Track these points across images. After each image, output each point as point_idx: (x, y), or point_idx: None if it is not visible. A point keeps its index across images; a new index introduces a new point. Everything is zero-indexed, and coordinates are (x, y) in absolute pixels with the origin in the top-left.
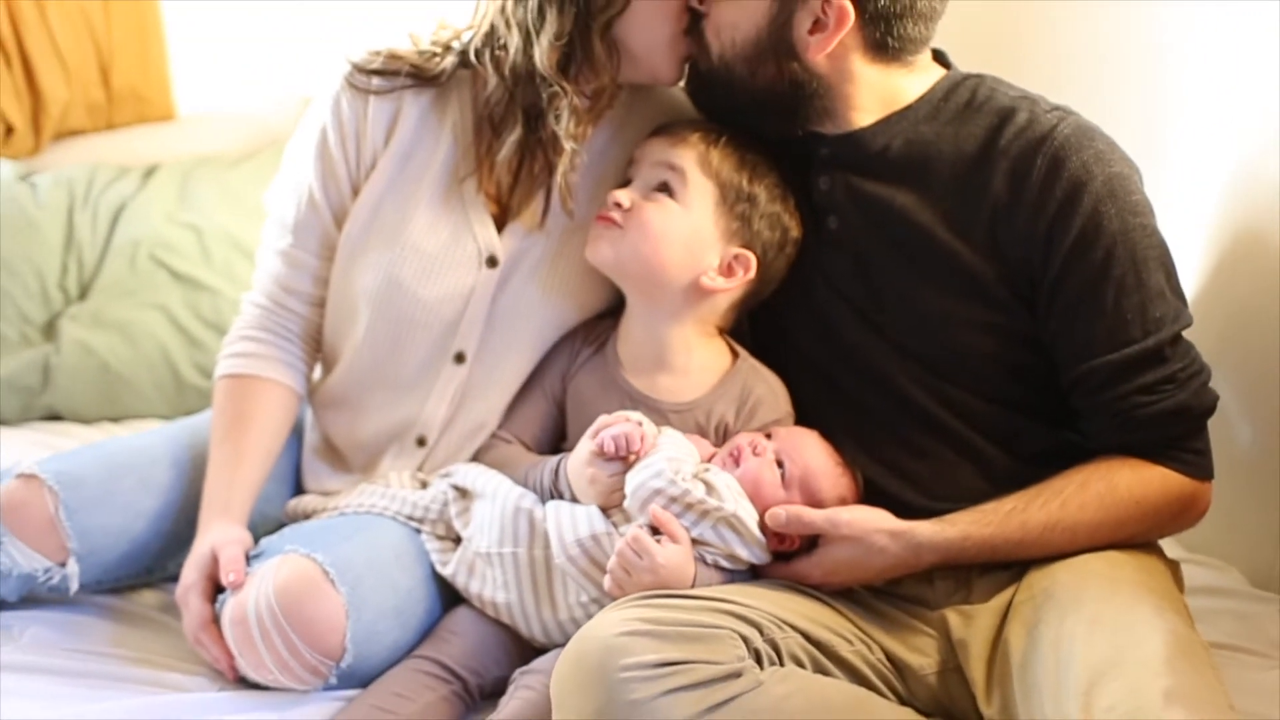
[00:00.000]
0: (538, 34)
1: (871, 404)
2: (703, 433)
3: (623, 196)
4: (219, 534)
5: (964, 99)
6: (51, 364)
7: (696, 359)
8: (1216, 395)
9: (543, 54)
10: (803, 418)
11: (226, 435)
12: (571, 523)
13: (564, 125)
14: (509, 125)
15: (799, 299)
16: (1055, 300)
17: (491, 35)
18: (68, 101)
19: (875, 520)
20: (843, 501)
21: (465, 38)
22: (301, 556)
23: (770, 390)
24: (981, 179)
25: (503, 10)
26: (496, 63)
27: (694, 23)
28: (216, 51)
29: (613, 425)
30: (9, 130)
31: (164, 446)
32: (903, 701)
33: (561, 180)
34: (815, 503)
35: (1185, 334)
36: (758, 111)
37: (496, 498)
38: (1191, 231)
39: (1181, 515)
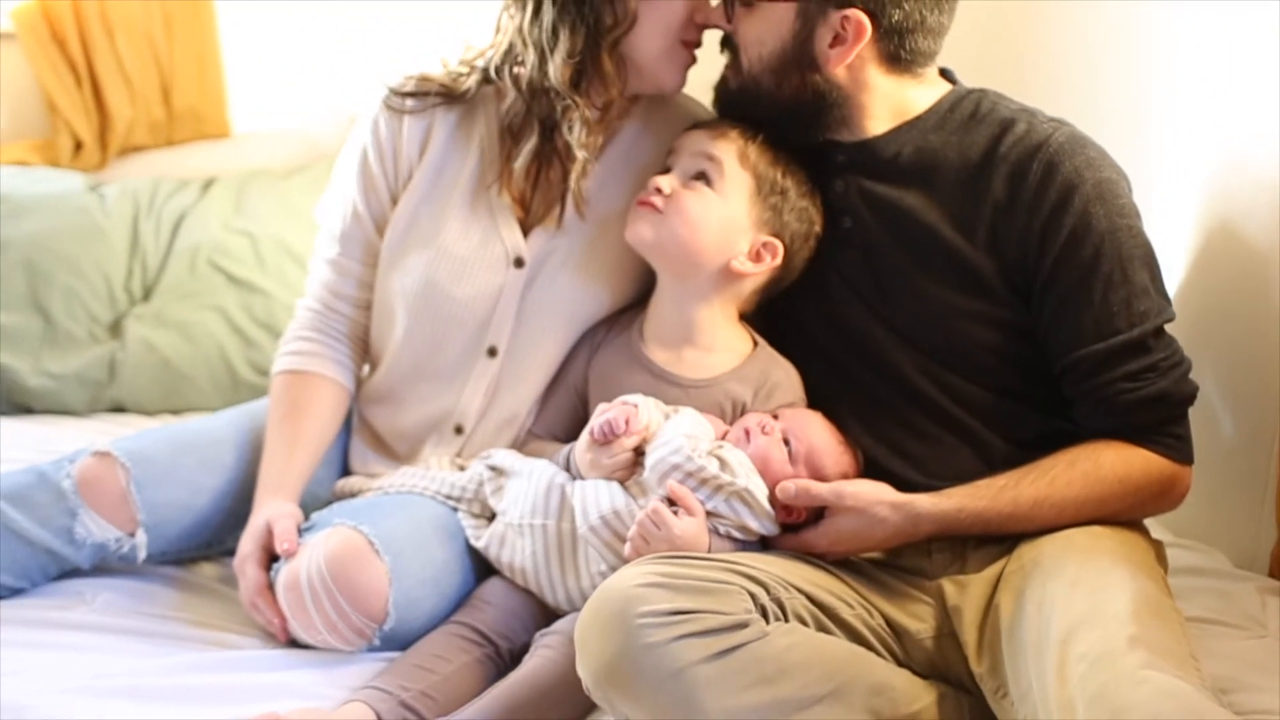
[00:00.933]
0: (551, 52)
1: (878, 390)
2: (720, 411)
3: (664, 182)
4: (274, 509)
5: (968, 111)
6: (118, 360)
7: (720, 339)
8: (1196, 385)
9: (556, 70)
10: (814, 403)
11: (282, 423)
12: (595, 498)
13: (576, 135)
14: (526, 135)
15: (814, 293)
16: (1048, 293)
17: (510, 53)
18: (132, 119)
19: (877, 493)
20: (845, 476)
21: (488, 56)
22: (349, 529)
23: (787, 376)
24: (983, 182)
25: (520, 29)
26: (515, 78)
27: (725, 41)
28: (269, 73)
29: (605, 411)
30: (78, 146)
31: (224, 430)
32: (899, 664)
33: (575, 186)
34: (819, 478)
35: (1169, 329)
36: (783, 121)
37: (533, 475)
38: (1175, 229)
39: (1162, 496)
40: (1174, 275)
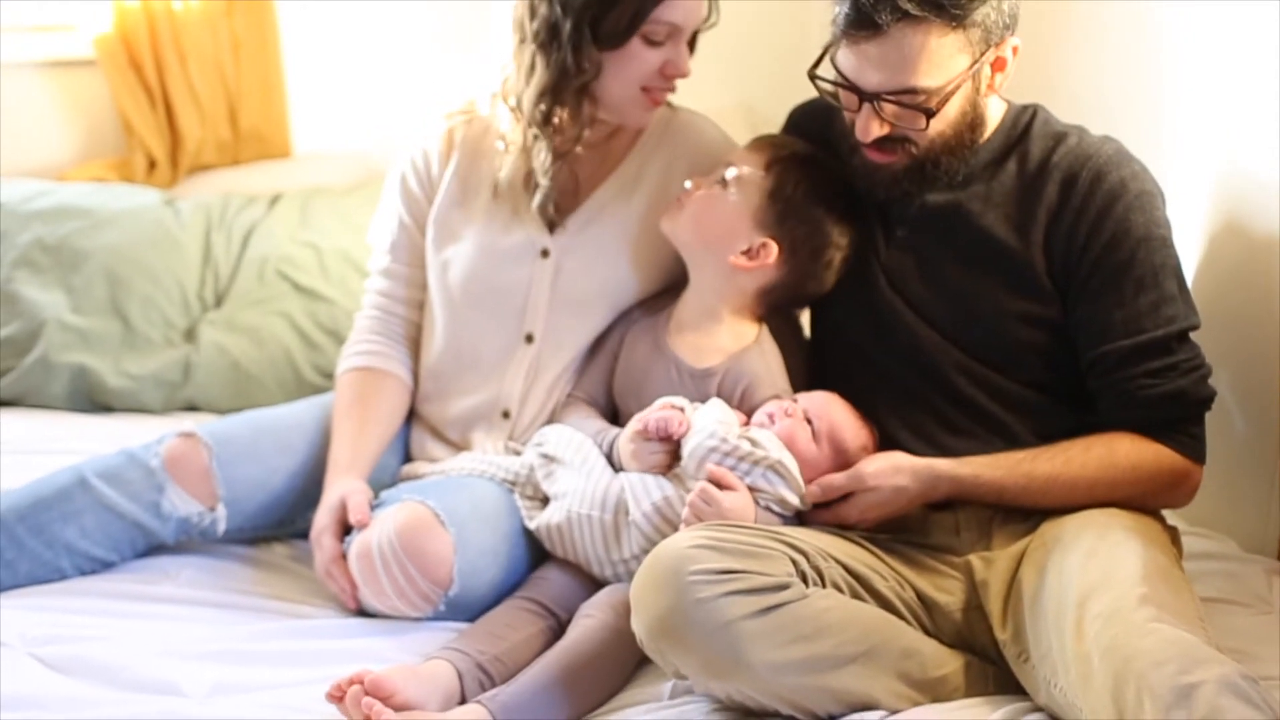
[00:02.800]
0: (527, 83)
1: (917, 388)
2: (704, 396)
3: (689, 182)
4: (346, 485)
5: (1025, 123)
6: (191, 362)
7: (723, 332)
8: (1214, 391)
9: (528, 103)
10: (852, 399)
11: (350, 410)
12: (644, 490)
13: (540, 162)
14: (522, 145)
15: (860, 296)
16: (1084, 290)
17: (507, 84)
18: (201, 140)
19: (893, 464)
20: (865, 449)
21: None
22: (417, 503)
23: (767, 370)
24: (1039, 187)
25: (512, 55)
26: (504, 89)
27: (884, 140)
28: (328, 98)
29: (658, 411)
30: (152, 164)
31: (298, 417)
32: (928, 634)
33: (538, 208)
34: (841, 451)
35: (1194, 337)
36: (955, 169)
37: (584, 470)
38: (1185, 228)
39: (1173, 489)
40: (1186, 273)
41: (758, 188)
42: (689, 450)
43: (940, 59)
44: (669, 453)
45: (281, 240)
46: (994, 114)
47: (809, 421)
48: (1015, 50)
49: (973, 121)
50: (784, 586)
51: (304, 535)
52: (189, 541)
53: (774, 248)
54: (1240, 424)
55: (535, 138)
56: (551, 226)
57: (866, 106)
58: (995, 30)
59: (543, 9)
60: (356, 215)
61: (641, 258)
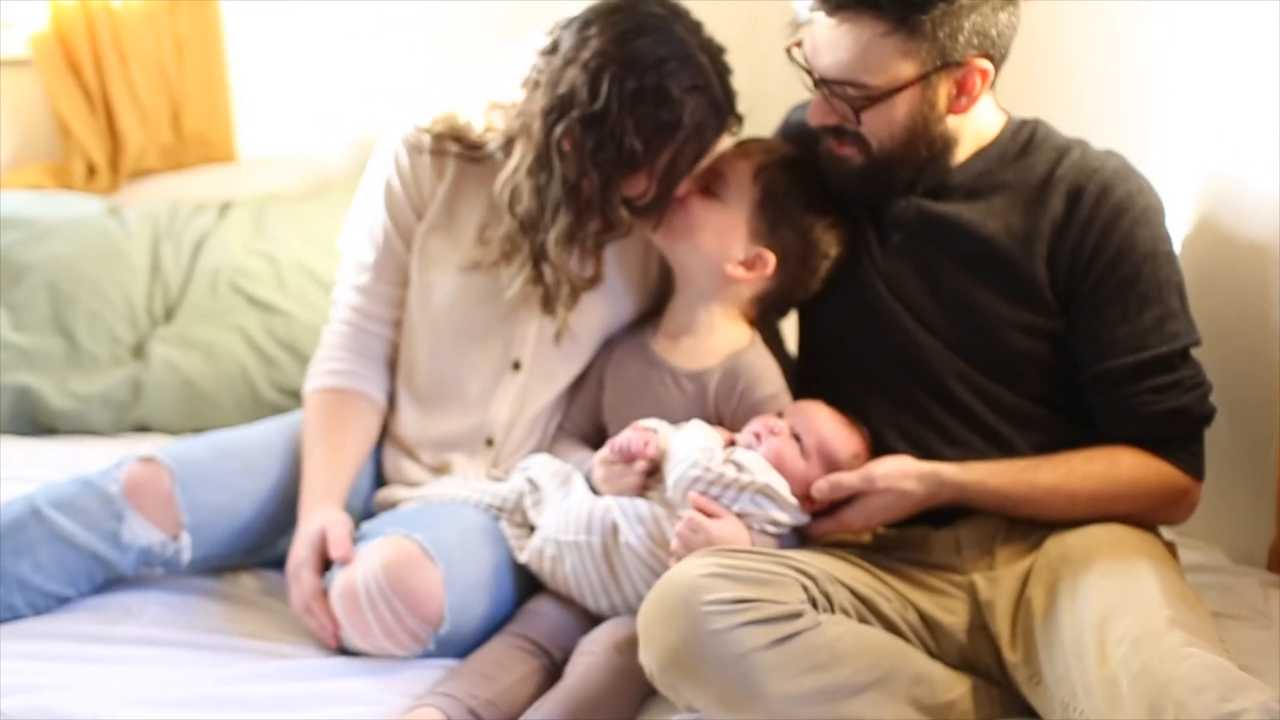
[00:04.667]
0: (552, 221)
1: (915, 396)
2: (703, 397)
3: (681, 188)
4: (325, 515)
5: (1026, 137)
6: (142, 380)
7: (717, 335)
8: (1214, 408)
9: (551, 245)
10: (845, 407)
11: (322, 436)
12: (634, 510)
13: (551, 283)
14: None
15: (857, 303)
16: (1088, 304)
17: (516, 190)
18: (143, 144)
19: (903, 468)
20: (856, 457)
21: (502, 133)
22: (402, 537)
23: (765, 367)
24: (1043, 201)
25: (530, 172)
26: (511, 205)
27: (837, 131)
28: (274, 99)
29: (625, 433)
30: (91, 170)
31: (264, 438)
32: (932, 656)
33: (559, 328)
34: (833, 464)
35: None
36: (910, 178)
37: (571, 495)
38: (1174, 234)
39: (1172, 506)
40: None
41: (747, 196)
42: (673, 481)
43: (878, 58)
44: (640, 474)
45: (235, 250)
46: (990, 126)
47: (797, 438)
48: (984, 76)
49: (930, 139)
50: (797, 615)
51: (272, 564)
52: (150, 574)
53: (771, 257)
54: (1228, 434)
55: (551, 268)
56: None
57: (819, 91)
58: (955, 50)
59: (573, 157)
60: (315, 224)
61: (634, 282)
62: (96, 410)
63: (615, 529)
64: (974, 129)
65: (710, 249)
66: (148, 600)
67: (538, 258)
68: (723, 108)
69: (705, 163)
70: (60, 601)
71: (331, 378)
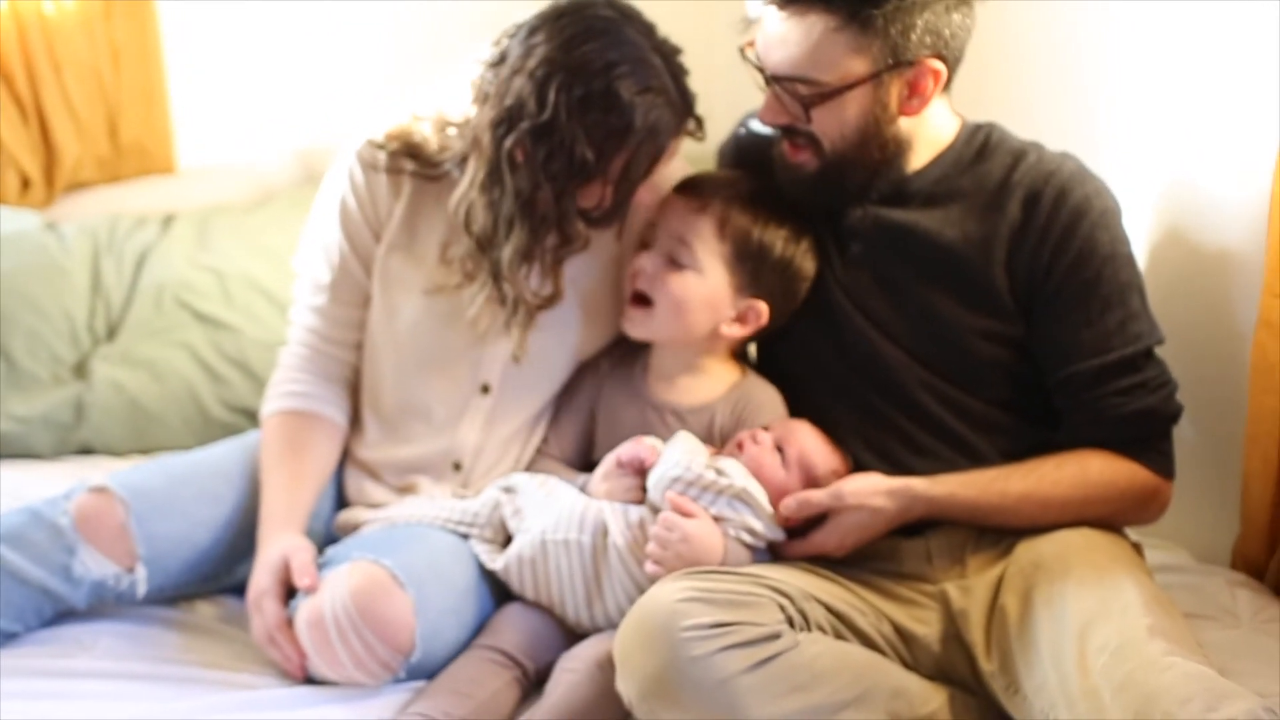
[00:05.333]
0: (506, 238)
1: (879, 406)
2: (709, 430)
3: (646, 263)
4: (287, 542)
5: (981, 141)
6: (84, 401)
7: (712, 376)
8: (1181, 406)
9: (506, 262)
10: (813, 419)
11: (282, 460)
12: (623, 510)
13: (514, 316)
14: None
15: (818, 315)
16: (1049, 309)
17: (470, 205)
18: (79, 156)
19: (873, 485)
20: (836, 475)
21: (457, 150)
22: (370, 563)
23: (769, 398)
24: (1000, 205)
25: (483, 188)
26: (468, 223)
27: (789, 132)
28: (214, 108)
29: (630, 444)
30: (25, 183)
31: (220, 463)
32: (907, 667)
33: (516, 350)
34: (812, 478)
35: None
36: (862, 184)
37: (558, 494)
38: (1136, 240)
39: (1144, 507)
40: None
41: (719, 256)
42: (653, 480)
43: (829, 54)
44: (642, 487)
45: (179, 265)
46: (946, 131)
47: (779, 449)
48: (937, 77)
49: (882, 141)
50: (776, 636)
51: (230, 591)
52: (101, 605)
53: (762, 306)
54: (1191, 434)
55: (509, 286)
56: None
57: (770, 89)
58: (906, 49)
59: (524, 170)
60: (261, 236)
61: (605, 306)
62: (38, 432)
63: (605, 529)
64: (929, 133)
65: (701, 323)
66: (100, 631)
67: (496, 276)
68: (679, 109)
69: (663, 167)
70: (6, 638)
71: (290, 400)
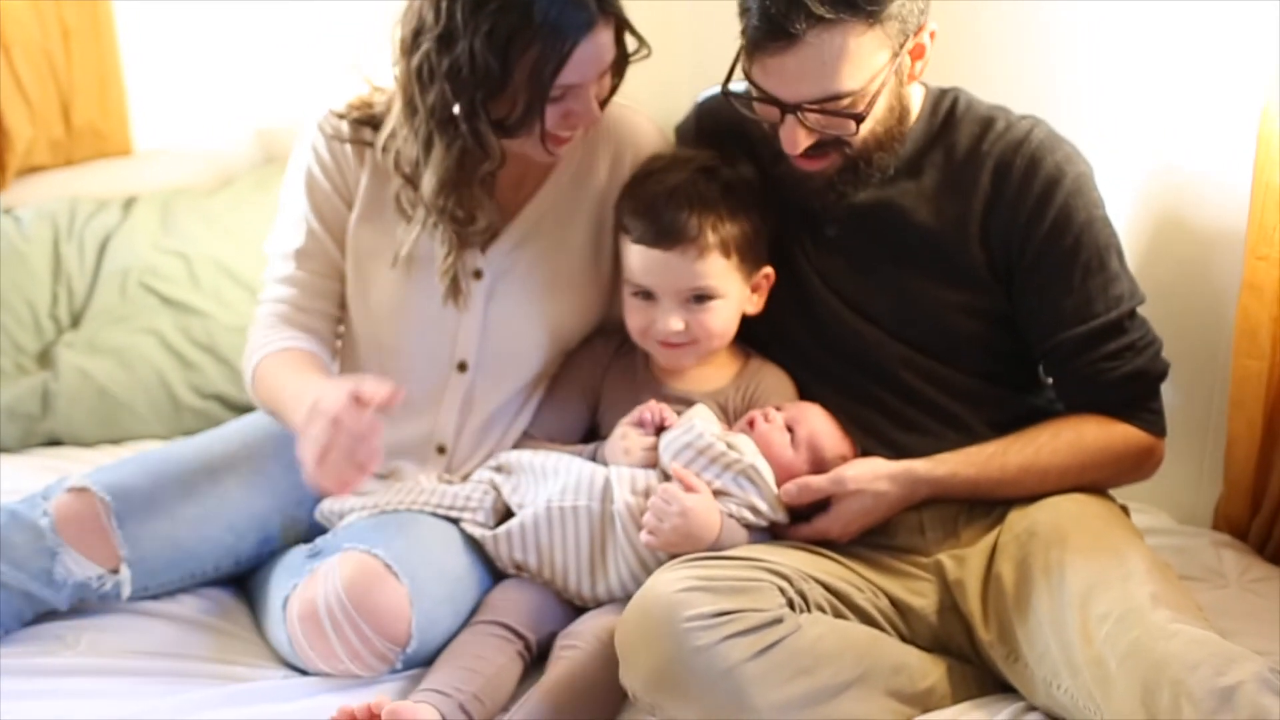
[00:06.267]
0: (425, 161)
1: (864, 386)
2: (722, 414)
3: (674, 324)
4: (330, 383)
5: (946, 108)
6: (50, 391)
7: (718, 362)
8: (1168, 363)
9: (429, 192)
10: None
11: (296, 371)
12: (630, 476)
13: (441, 235)
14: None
15: (794, 298)
16: (1029, 280)
17: (392, 134)
18: (32, 139)
19: (874, 469)
20: (843, 459)
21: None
22: (362, 553)
23: (777, 380)
24: (970, 177)
25: (404, 118)
26: (396, 161)
27: (814, 147)
28: (170, 88)
29: (653, 404)
30: None
31: (199, 455)
32: (905, 641)
33: (447, 271)
34: (820, 459)
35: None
36: (887, 163)
37: (564, 462)
38: (1117, 214)
39: (1139, 466)
40: None
41: (730, 269)
42: (664, 443)
43: (861, 59)
44: (654, 453)
45: (143, 249)
46: (915, 99)
47: (790, 430)
48: (933, 35)
49: (900, 114)
50: (778, 620)
51: (211, 584)
52: (82, 602)
53: (770, 270)
54: (1171, 396)
55: (435, 224)
56: (483, 244)
57: (790, 118)
58: (911, 19)
59: (434, 86)
60: (225, 218)
61: (575, 281)
62: (3, 424)
63: (611, 495)
64: (906, 100)
65: (734, 325)
66: (82, 627)
67: (430, 210)
68: (588, 7)
69: (588, 73)
70: None
71: (278, 343)
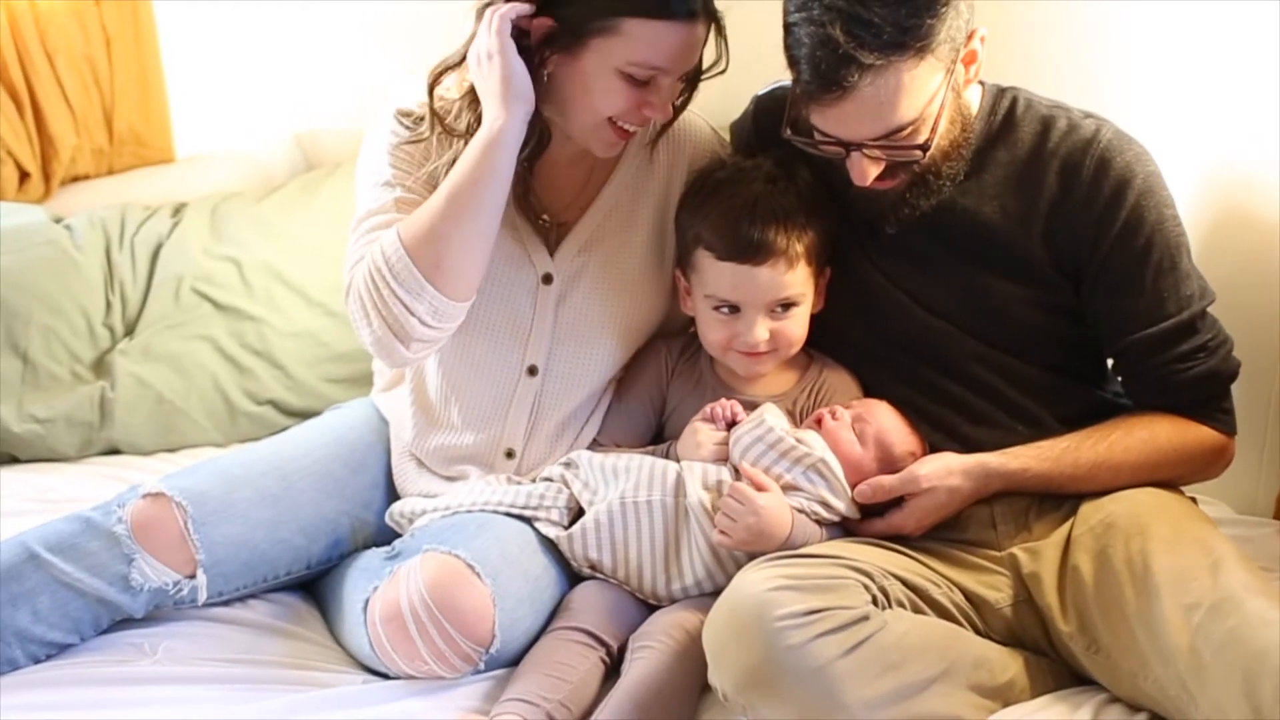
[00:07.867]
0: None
1: (933, 381)
2: (791, 417)
3: (763, 335)
4: None
5: (1006, 108)
6: (108, 399)
7: (786, 363)
8: (1239, 362)
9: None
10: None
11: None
12: (702, 471)
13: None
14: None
15: (857, 299)
16: (1100, 281)
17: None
18: (76, 147)
19: (947, 465)
20: (913, 455)
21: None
22: (442, 554)
23: (841, 379)
24: (1035, 177)
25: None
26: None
27: (886, 170)
28: (209, 95)
29: (724, 400)
30: (23, 177)
31: (272, 459)
32: (980, 635)
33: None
34: (889, 456)
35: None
36: (957, 169)
37: (636, 458)
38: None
39: (1210, 465)
40: None
41: (809, 275)
42: (735, 438)
43: (917, 89)
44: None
45: (194, 255)
46: (973, 99)
47: (858, 426)
48: (983, 40)
49: (963, 123)
50: (865, 618)
51: (283, 589)
52: (157, 610)
53: (828, 268)
54: (1233, 393)
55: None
56: (551, 249)
57: (855, 154)
58: (959, 34)
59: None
60: (277, 222)
61: (644, 281)
62: (60, 433)
63: (684, 490)
64: (966, 102)
65: (807, 323)
66: (158, 635)
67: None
68: None
69: (675, 62)
70: (62, 649)
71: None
